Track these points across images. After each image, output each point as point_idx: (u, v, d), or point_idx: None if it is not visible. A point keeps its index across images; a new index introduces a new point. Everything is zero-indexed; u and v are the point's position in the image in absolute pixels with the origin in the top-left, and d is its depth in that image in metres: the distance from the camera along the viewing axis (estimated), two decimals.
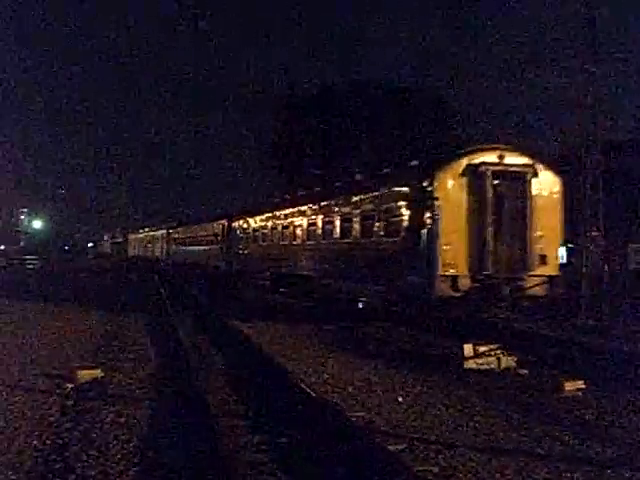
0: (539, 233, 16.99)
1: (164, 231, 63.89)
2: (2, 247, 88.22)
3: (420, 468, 6.75)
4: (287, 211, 28.12)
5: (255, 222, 33.30)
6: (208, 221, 46.31)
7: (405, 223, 17.88)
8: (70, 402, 9.43)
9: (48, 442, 7.57)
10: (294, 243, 26.72)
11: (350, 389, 10.46)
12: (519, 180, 16.92)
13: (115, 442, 7.56)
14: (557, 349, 14.28)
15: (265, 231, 31.29)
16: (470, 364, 12.23)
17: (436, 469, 6.81)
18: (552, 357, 13.24)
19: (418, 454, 7.27)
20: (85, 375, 10.82)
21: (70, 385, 10.42)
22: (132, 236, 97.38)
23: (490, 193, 16.51)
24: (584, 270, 21.65)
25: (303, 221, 25.84)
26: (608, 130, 23.78)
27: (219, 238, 40.80)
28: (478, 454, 7.31)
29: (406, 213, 17.86)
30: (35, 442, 7.55)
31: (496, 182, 16.67)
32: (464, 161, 16.86)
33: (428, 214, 16.64)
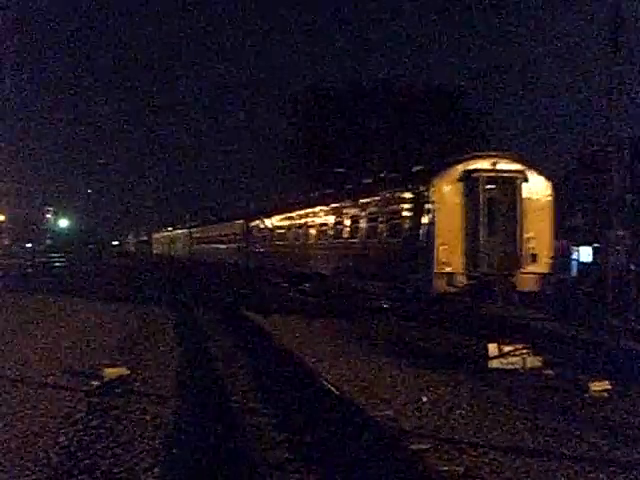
0: (530, 234, 18.33)
1: (186, 230, 65.77)
2: (29, 245, 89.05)
3: (444, 468, 6.73)
4: (301, 212, 29.93)
5: (271, 222, 35.23)
6: (227, 221, 48.85)
7: (406, 225, 19.44)
8: (96, 399, 9.50)
9: (74, 439, 7.64)
10: (307, 242, 28.44)
11: (366, 384, 10.48)
12: (511, 185, 18.36)
13: (141, 439, 7.62)
14: (583, 349, 14.17)
15: (280, 231, 33.16)
16: (495, 364, 12.15)
17: (461, 469, 6.79)
18: (578, 357, 13.13)
19: (442, 454, 7.25)
20: (111, 373, 10.90)
21: (96, 382, 10.51)
22: (156, 235, 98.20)
23: (483, 197, 17.96)
24: (610, 270, 21.44)
25: (315, 222, 27.65)
26: (634, 129, 23.58)
27: (238, 237, 42.60)
28: (503, 454, 7.27)
29: (407, 215, 19.43)
30: (61, 439, 7.63)
31: (489, 187, 18.20)
32: (459, 167, 18.45)
33: (426, 216, 18.22)
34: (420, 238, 18.42)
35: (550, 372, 11.92)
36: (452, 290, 17.79)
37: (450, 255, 17.85)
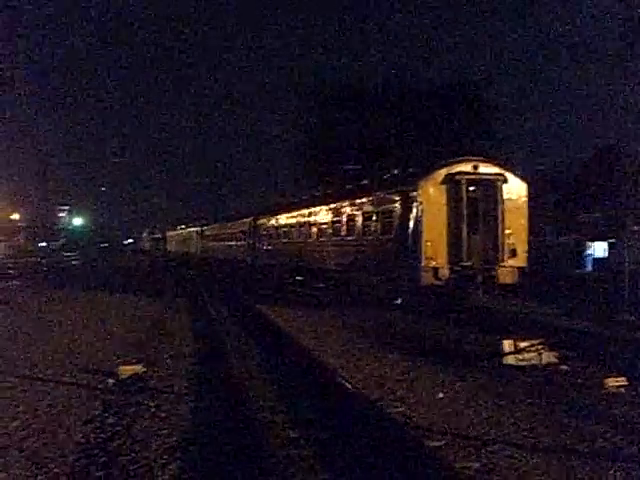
0: (509, 231, 20.07)
1: (198, 228, 67.42)
2: (44, 244, 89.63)
3: (460, 464, 6.72)
4: (303, 211, 31.65)
5: (276, 221, 37.04)
6: (236, 219, 50.19)
7: (396, 223, 21.17)
8: (112, 397, 9.55)
9: (91, 436, 7.68)
10: (309, 240, 30.12)
11: (375, 379, 10.47)
12: (491, 186, 20.03)
13: (156, 436, 7.65)
14: (599, 345, 14.10)
15: (285, 229, 34.94)
16: (510, 360, 12.11)
17: (476, 465, 6.78)
18: (594, 353, 13.06)
19: (458, 450, 7.24)
20: (127, 370, 10.94)
21: (112, 380, 10.56)
22: (170, 233, 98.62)
23: (466, 198, 19.58)
24: (625, 265, 21.34)
25: (316, 220, 29.43)
26: None
27: (245, 235, 44.34)
28: (519, 451, 7.25)
29: (397, 214, 21.13)
30: (78, 436, 7.67)
31: (471, 188, 19.88)
32: (443, 171, 19.99)
33: (413, 216, 19.99)
34: (408, 235, 20.19)
35: (566, 368, 11.87)
36: (437, 282, 19.34)
37: (435, 251, 19.50)
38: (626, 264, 21.30)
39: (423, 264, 19.37)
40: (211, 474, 6.55)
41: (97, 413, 8.67)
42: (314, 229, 29.61)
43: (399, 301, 21.56)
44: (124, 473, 6.51)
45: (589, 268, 42.62)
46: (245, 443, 7.16)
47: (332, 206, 27.45)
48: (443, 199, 19.77)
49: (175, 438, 7.60)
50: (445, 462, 6.51)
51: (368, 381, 10.66)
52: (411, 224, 20.08)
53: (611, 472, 6.68)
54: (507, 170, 20.65)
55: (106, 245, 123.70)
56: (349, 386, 9.50)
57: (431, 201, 19.79)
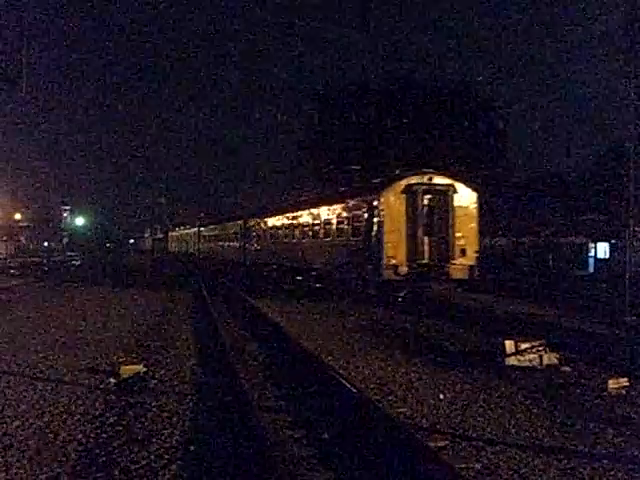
0: (459, 234, 23.13)
1: (195, 229, 71.45)
2: (45, 244, 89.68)
3: (461, 465, 6.71)
4: (288, 214, 35.01)
5: (264, 223, 40.55)
6: (229, 221, 54.08)
7: (363, 227, 24.39)
8: (113, 397, 9.55)
9: (92, 436, 7.68)
10: (293, 241, 33.45)
11: (375, 379, 10.46)
12: (443, 195, 23.12)
13: (158, 436, 7.65)
14: (601, 346, 14.09)
15: (272, 231, 38.47)
16: (512, 361, 12.10)
17: (478, 466, 6.77)
18: (596, 354, 13.05)
19: (459, 451, 7.23)
20: (128, 370, 10.94)
21: (113, 380, 10.57)
22: (172, 233, 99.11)
23: (422, 205, 22.81)
24: (627, 266, 21.31)
25: (299, 223, 32.64)
26: None
27: (237, 236, 48.09)
28: (520, 452, 7.24)
29: (364, 219, 24.35)
30: (79, 436, 7.67)
31: (427, 197, 23.05)
32: (403, 182, 23.21)
33: (377, 221, 23.22)
34: (373, 237, 23.47)
35: (567, 369, 11.85)
36: (397, 277, 22.47)
37: (395, 250, 22.68)
38: (628, 265, 21.27)
39: (385, 262, 22.57)
40: (213, 474, 6.55)
41: (98, 413, 8.67)
42: (297, 231, 32.95)
43: (400, 300, 22.66)
44: (125, 473, 6.51)
45: (591, 269, 42.60)
46: (246, 443, 7.16)
47: (312, 211, 30.74)
48: (402, 206, 22.90)
49: (176, 438, 7.60)
50: (447, 463, 6.50)
51: (365, 379, 10.65)
52: (375, 228, 23.38)
53: (613, 473, 6.67)
54: (458, 181, 23.76)
55: (108, 245, 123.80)
56: (349, 385, 9.48)
57: (392, 208, 23.00)
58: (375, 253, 23.17)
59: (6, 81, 20.69)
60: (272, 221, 38.64)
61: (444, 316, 19.24)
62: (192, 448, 7.27)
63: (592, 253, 44.03)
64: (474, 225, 23.76)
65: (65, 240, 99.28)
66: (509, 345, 12.30)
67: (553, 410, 9.02)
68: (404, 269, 22.42)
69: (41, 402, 9.13)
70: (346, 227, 26.16)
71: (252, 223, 43.72)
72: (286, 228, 35.07)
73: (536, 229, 48.27)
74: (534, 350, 12.25)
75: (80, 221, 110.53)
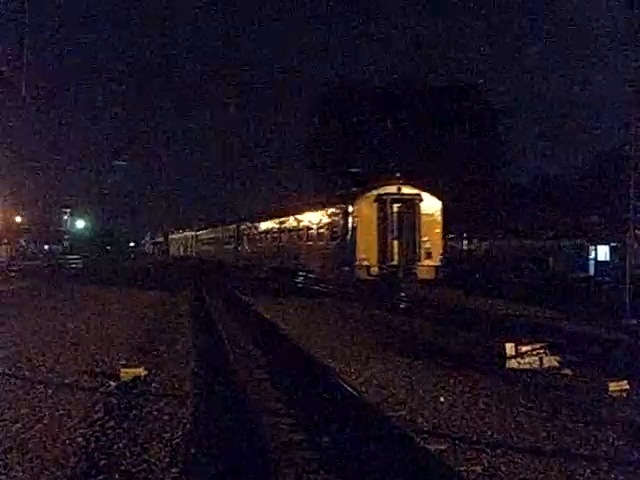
0: (425, 238, 25.88)
1: (193, 232, 75.18)
2: (46, 247, 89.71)
3: (462, 468, 6.70)
4: (275, 220, 38.14)
5: (255, 228, 43.67)
6: (223, 225, 57.72)
7: (339, 231, 27.27)
8: (114, 400, 9.55)
9: (92, 439, 7.67)
10: (280, 244, 36.59)
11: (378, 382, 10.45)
12: (410, 204, 25.86)
13: (158, 439, 7.64)
14: (601, 349, 14.08)
15: (261, 235, 41.80)
16: (512, 363, 12.10)
17: (479, 469, 6.77)
18: (596, 357, 13.04)
19: (460, 454, 7.22)
20: (128, 373, 10.94)
21: (113, 383, 10.56)
22: (172, 236, 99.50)
23: (391, 213, 25.59)
24: (627, 269, 21.29)
25: (285, 227, 35.84)
26: None
27: (231, 239, 51.20)
28: (521, 455, 7.23)
29: (340, 225, 27.16)
30: (79, 439, 7.67)
31: (396, 205, 25.79)
32: (374, 192, 26.06)
33: (351, 226, 26.04)
34: (347, 241, 26.32)
35: (568, 372, 11.84)
36: (369, 277, 25.26)
37: (367, 253, 25.41)
38: (628, 267, 21.26)
39: (358, 263, 25.32)
40: (214, 478, 6.55)
41: (98, 416, 8.67)
42: (283, 235, 36.22)
43: (402, 302, 23.66)
44: (125, 476, 6.50)
45: (591, 272, 42.53)
46: (246, 444, 7.16)
47: (296, 216, 33.71)
48: (374, 214, 25.67)
49: (177, 441, 7.59)
50: (447, 466, 6.50)
51: (365, 381, 10.64)
52: (350, 233, 26.13)
53: (613, 476, 6.66)
54: (424, 191, 26.49)
55: (108, 248, 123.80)
56: (350, 388, 9.48)
57: (364, 215, 25.78)
58: (349, 255, 25.88)
59: (6, 83, 20.72)
60: (261, 226, 41.91)
61: (444, 318, 19.25)
62: (193, 451, 7.27)
63: (592, 256, 43.95)
64: (439, 230, 26.71)
65: (66, 243, 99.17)
66: (509, 348, 12.30)
67: (554, 413, 9.01)
68: (375, 270, 25.19)
69: (41, 405, 9.12)
70: (325, 232, 29.10)
71: (244, 227, 47.00)
72: (274, 232, 38.19)
73: (537, 231, 48.21)
74: (534, 353, 12.25)
75: (81, 224, 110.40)
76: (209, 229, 65.14)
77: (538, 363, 12.11)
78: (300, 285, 32.25)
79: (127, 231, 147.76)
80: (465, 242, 57.94)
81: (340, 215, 27.26)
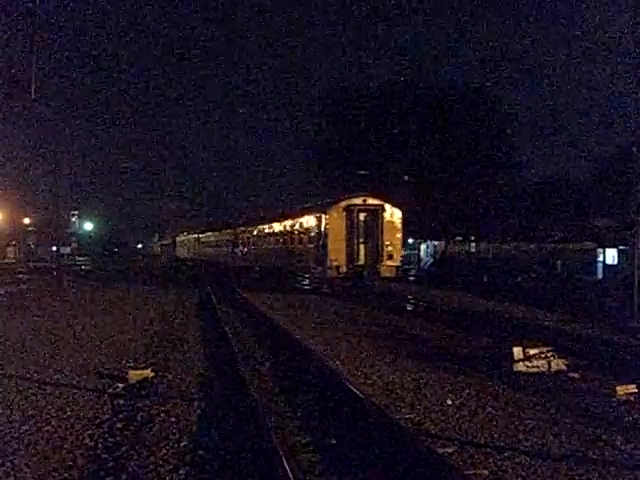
0: (388, 242, 30.40)
1: (196, 235, 79.77)
2: (54, 248, 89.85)
3: (470, 472, 6.69)
4: (265, 225, 43.05)
5: (249, 232, 48.11)
6: (222, 229, 62.32)
7: (314, 237, 31.70)
8: (121, 402, 9.57)
9: (100, 441, 7.69)
10: (268, 247, 41.54)
11: (385, 385, 10.44)
12: (374, 213, 30.47)
13: (166, 441, 7.65)
14: (609, 352, 14.04)
15: (253, 239, 46.44)
16: (520, 367, 12.07)
17: (486, 472, 6.75)
18: (604, 361, 12.99)
19: (467, 457, 7.21)
20: (136, 375, 10.97)
21: (121, 385, 10.59)
22: (179, 238, 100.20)
23: (358, 221, 30.20)
24: (635, 272, 21.19)
25: (272, 232, 40.70)
26: None
27: (228, 242, 55.82)
28: (528, 458, 7.22)
29: (315, 231, 31.66)
30: (87, 441, 7.69)
31: (362, 214, 30.42)
32: (344, 203, 30.69)
33: (324, 233, 30.46)
34: (321, 245, 30.66)
35: (576, 375, 11.80)
36: (339, 275, 29.94)
37: (337, 255, 29.94)
38: (636, 271, 21.16)
39: (329, 264, 29.87)
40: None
41: (106, 418, 8.69)
42: (270, 239, 41.13)
43: (409, 308, 23.92)
44: (133, 478, 6.52)
45: (599, 275, 42.43)
46: (252, 447, 7.16)
47: (282, 223, 38.51)
48: (343, 222, 30.13)
49: (184, 443, 7.61)
50: (454, 469, 6.49)
51: (373, 383, 10.63)
52: (322, 238, 30.53)
53: None
54: (386, 202, 31.03)
55: (117, 250, 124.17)
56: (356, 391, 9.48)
57: (335, 223, 30.22)
58: (322, 257, 30.40)
59: (16, 86, 20.78)
60: (253, 231, 46.65)
61: (452, 321, 19.23)
62: (200, 453, 7.28)
63: (600, 259, 43.86)
64: (399, 235, 31.39)
65: (74, 245, 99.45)
66: (517, 351, 12.27)
67: (561, 416, 8.99)
68: (344, 269, 29.86)
69: (49, 407, 9.15)
70: (305, 237, 33.58)
71: (240, 231, 51.69)
72: (263, 237, 43.17)
73: (545, 235, 48.15)
74: (542, 356, 12.22)
75: (89, 226, 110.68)
76: (210, 232, 69.80)
77: (546, 366, 12.08)
78: (290, 283, 35.45)
79: (135, 233, 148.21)
80: (473, 245, 57.87)
81: (316, 223, 31.62)
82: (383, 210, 30.36)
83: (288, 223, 37.16)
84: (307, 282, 33.45)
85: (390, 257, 30.24)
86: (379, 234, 30.16)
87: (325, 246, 30.06)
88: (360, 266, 29.86)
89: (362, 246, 30.18)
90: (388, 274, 30.37)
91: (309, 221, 32.89)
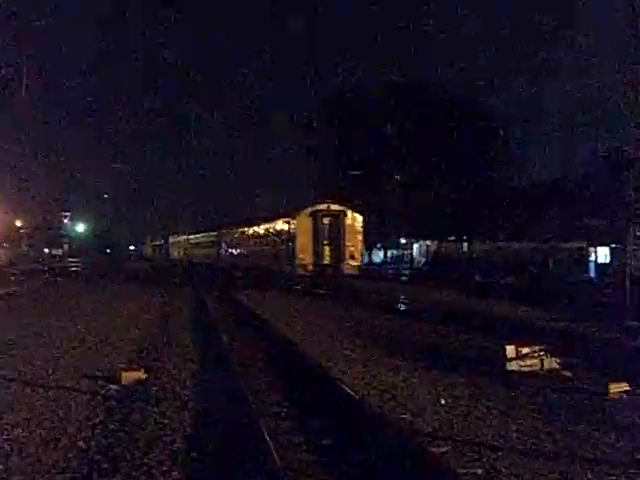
0: (349, 244, 34.31)
1: (185, 237, 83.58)
2: (46, 250, 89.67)
3: (463, 471, 6.71)
4: (244, 228, 47.30)
5: (230, 234, 52.42)
6: (206, 231, 66.48)
7: (286, 239, 35.55)
8: (114, 403, 9.55)
9: (93, 443, 7.68)
10: (246, 248, 46.30)
11: (382, 384, 10.45)
12: (337, 218, 34.22)
13: (159, 443, 7.64)
14: (602, 351, 14.06)
15: (233, 240, 50.96)
16: (513, 365, 12.09)
17: (480, 471, 6.77)
18: (597, 359, 13.02)
19: (461, 456, 7.22)
20: (129, 377, 10.95)
21: (114, 386, 10.56)
22: (171, 240, 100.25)
23: (322, 225, 33.90)
24: (628, 270, 21.26)
25: (249, 234, 45.38)
26: None
27: (213, 244, 60.24)
28: (522, 457, 7.23)
29: (286, 234, 35.57)
30: (80, 443, 7.67)
31: (326, 219, 34.11)
32: (309, 209, 34.41)
33: (293, 235, 34.36)
34: (290, 246, 34.59)
35: (568, 373, 11.83)
36: (306, 273, 33.52)
37: (305, 255, 33.62)
38: (628, 270, 21.23)
39: (297, 262, 33.63)
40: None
41: (99, 420, 8.67)
42: (249, 241, 45.54)
43: (402, 307, 24.15)
44: None
45: (592, 274, 42.50)
46: (247, 448, 7.16)
47: (260, 225, 42.50)
48: (309, 225, 33.82)
49: (178, 445, 7.60)
50: (448, 468, 6.50)
51: (367, 384, 10.64)
52: (291, 240, 34.45)
53: (614, 478, 6.66)
54: (347, 208, 35.14)
55: (109, 252, 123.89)
56: (350, 391, 9.50)
57: (302, 226, 33.90)
58: (292, 257, 34.20)
59: (6, 84, 20.75)
60: (234, 233, 50.85)
61: (444, 321, 19.25)
62: (194, 454, 7.27)
63: (592, 257, 43.93)
64: (360, 237, 35.46)
65: (66, 247, 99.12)
66: (510, 350, 12.28)
67: (555, 415, 9.01)
68: (310, 267, 33.59)
69: (42, 409, 9.13)
70: (277, 239, 37.76)
71: (222, 233, 55.97)
72: (242, 239, 47.69)
73: (536, 234, 48.20)
74: (535, 355, 12.23)
75: (81, 228, 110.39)
76: (199, 234, 72.93)
77: (539, 365, 12.10)
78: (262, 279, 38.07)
79: (128, 235, 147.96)
80: (465, 244, 57.95)
81: (285, 226, 35.78)
82: (345, 215, 34.36)
83: (264, 226, 41.35)
84: (284, 280, 35.38)
85: (352, 257, 34.42)
86: (341, 236, 34.02)
87: (294, 247, 34.00)
88: (325, 265, 33.77)
89: (327, 247, 34.01)
90: (350, 272, 34.35)
91: (281, 225, 36.97)
